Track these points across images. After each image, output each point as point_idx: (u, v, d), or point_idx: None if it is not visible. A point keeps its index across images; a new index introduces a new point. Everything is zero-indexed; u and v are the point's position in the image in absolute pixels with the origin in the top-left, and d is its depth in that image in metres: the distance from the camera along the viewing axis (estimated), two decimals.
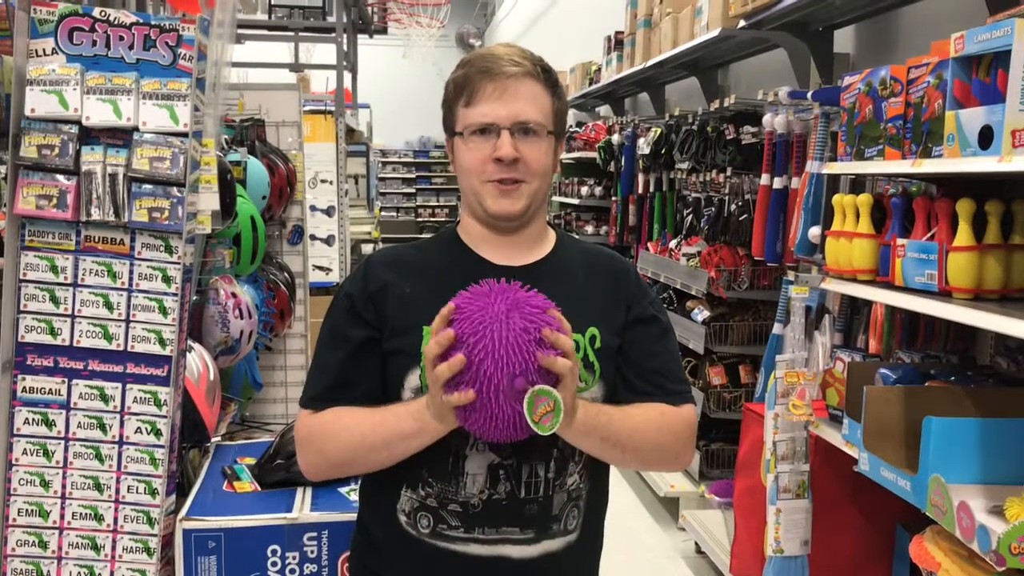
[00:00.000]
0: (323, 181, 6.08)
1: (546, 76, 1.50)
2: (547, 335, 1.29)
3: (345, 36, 6.87)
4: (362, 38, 8.13)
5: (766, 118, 3.61)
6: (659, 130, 5.24)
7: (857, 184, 3.00)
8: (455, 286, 1.42)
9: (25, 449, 1.99)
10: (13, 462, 1.99)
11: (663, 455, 1.54)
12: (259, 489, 2.19)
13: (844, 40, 3.87)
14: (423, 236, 1.89)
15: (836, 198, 2.66)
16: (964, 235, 2.18)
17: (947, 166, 2.13)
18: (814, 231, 3.02)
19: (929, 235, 2.32)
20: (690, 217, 4.81)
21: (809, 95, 3.24)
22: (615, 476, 5.12)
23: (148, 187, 1.96)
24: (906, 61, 2.37)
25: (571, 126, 7.85)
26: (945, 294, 2.19)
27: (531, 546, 1.47)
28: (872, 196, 2.57)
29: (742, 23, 3.93)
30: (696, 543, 3.99)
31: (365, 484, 1.62)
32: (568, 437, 1.40)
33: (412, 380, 1.48)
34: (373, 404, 1.48)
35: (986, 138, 2.00)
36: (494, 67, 1.45)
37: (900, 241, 2.34)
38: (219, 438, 2.61)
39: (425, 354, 1.33)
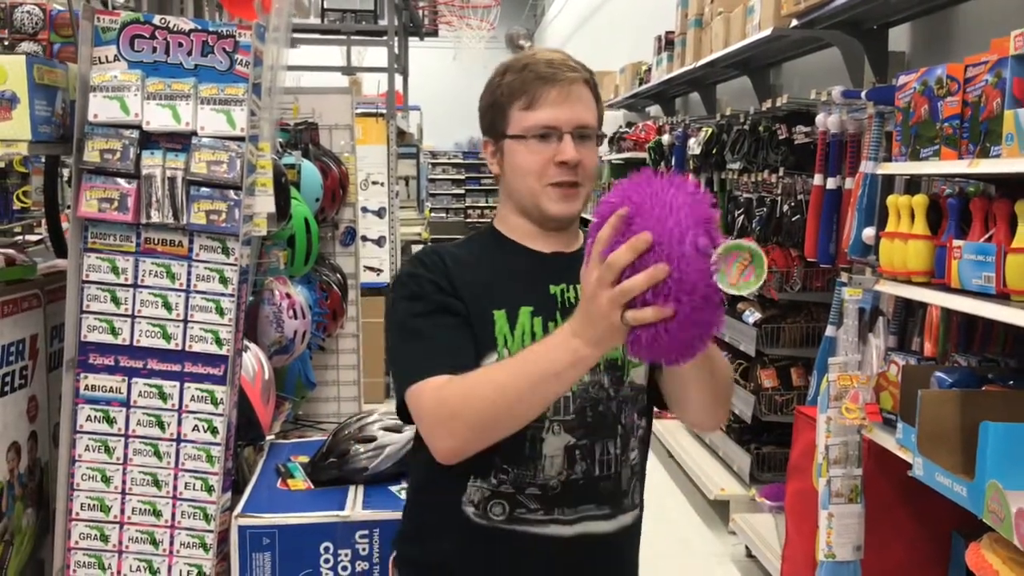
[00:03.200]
0: (374, 183, 6.15)
1: (594, 83, 1.56)
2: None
3: (396, 39, 6.94)
4: (413, 41, 8.22)
5: (819, 118, 3.57)
6: (710, 130, 5.20)
7: (912, 185, 2.95)
8: (513, 274, 1.50)
9: (88, 445, 2.04)
10: (76, 458, 2.05)
11: (726, 393, 1.54)
12: (312, 487, 2.23)
13: (899, 38, 3.81)
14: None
15: (891, 199, 2.62)
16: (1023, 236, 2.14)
17: (1006, 166, 2.09)
18: (868, 232, 2.98)
19: (987, 236, 2.28)
20: (741, 218, 4.76)
21: (863, 94, 3.19)
22: (665, 479, 5.11)
23: (206, 190, 2.01)
24: (963, 59, 2.33)
25: (621, 126, 7.82)
26: (1003, 296, 2.15)
27: (608, 521, 1.52)
28: (928, 197, 2.53)
29: (794, 22, 3.89)
30: (746, 547, 3.96)
31: (421, 481, 1.61)
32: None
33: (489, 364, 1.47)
34: None
35: None
36: (557, 73, 1.49)
37: (957, 243, 2.30)
38: (273, 436, 2.66)
39: (611, 264, 1.17)
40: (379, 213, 6.13)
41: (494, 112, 1.54)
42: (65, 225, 2.39)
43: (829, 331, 3.34)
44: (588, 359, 1.27)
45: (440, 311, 1.47)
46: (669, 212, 1.16)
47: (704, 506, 4.62)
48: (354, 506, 2.09)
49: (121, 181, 2.00)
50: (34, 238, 4.41)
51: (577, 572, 1.52)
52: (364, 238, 5.84)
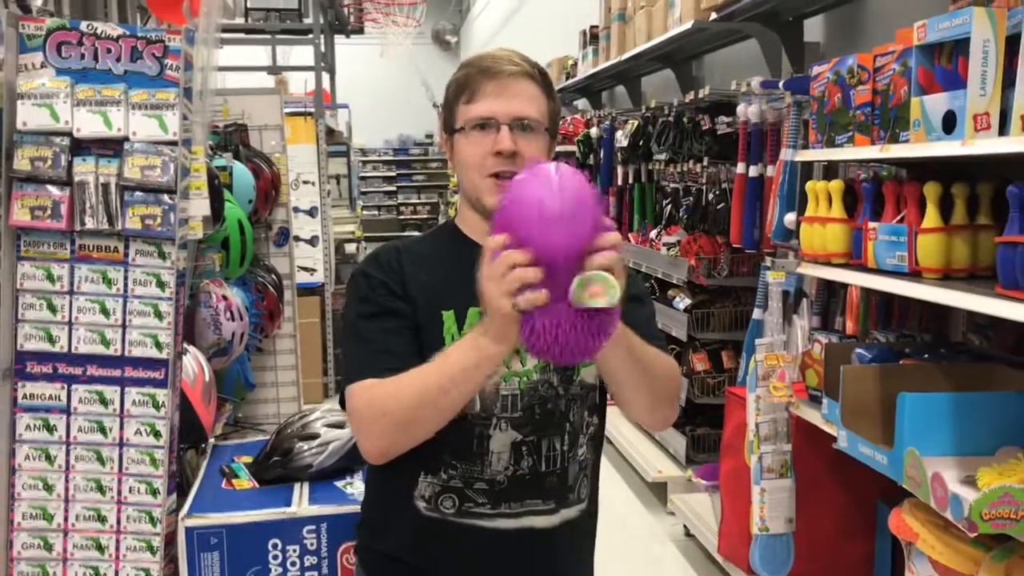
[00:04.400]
0: (305, 182, 6.11)
1: (542, 78, 1.57)
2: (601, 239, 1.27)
3: (322, 37, 6.90)
4: (339, 38, 8.17)
5: (740, 108, 3.69)
6: (636, 122, 5.31)
7: (829, 171, 3.07)
8: (466, 275, 1.49)
9: (28, 454, 2.04)
10: (16, 467, 2.04)
11: (667, 391, 1.57)
12: (257, 486, 2.24)
13: (814, 29, 3.95)
14: (407, 234, 1.94)
15: (809, 185, 2.73)
16: (932, 217, 2.25)
17: (914, 151, 2.20)
18: (789, 217, 3.09)
19: (899, 218, 2.40)
20: (669, 207, 4.88)
21: (781, 84, 3.31)
22: (604, 464, 5.19)
23: (140, 195, 2.01)
24: (873, 49, 2.44)
25: None
26: (915, 274, 2.27)
27: (552, 516, 1.56)
28: (844, 182, 2.64)
29: (714, 15, 3.99)
30: (685, 526, 4.07)
31: (375, 476, 1.65)
32: (608, 344, 1.37)
33: None
34: None
35: (949, 123, 2.07)
36: (494, 66, 1.53)
37: (871, 224, 2.41)
38: (214, 439, 2.66)
39: (496, 255, 1.26)
40: (311, 212, 6.10)
41: (446, 109, 1.59)
42: None
43: (756, 314, 3.46)
44: (493, 356, 1.34)
45: (386, 314, 1.51)
46: (544, 207, 1.24)
47: (643, 488, 4.73)
48: (300, 502, 2.11)
49: (53, 188, 2.00)
50: None
51: (522, 564, 1.56)
52: (297, 238, 5.80)
